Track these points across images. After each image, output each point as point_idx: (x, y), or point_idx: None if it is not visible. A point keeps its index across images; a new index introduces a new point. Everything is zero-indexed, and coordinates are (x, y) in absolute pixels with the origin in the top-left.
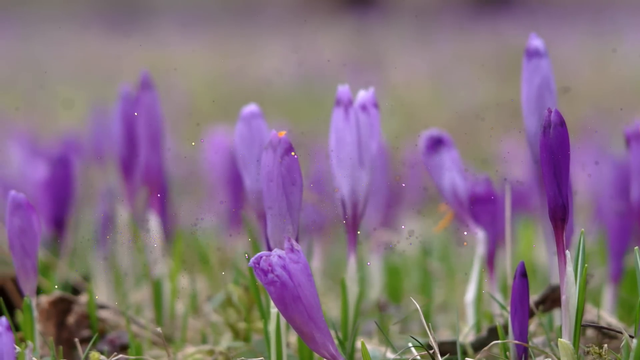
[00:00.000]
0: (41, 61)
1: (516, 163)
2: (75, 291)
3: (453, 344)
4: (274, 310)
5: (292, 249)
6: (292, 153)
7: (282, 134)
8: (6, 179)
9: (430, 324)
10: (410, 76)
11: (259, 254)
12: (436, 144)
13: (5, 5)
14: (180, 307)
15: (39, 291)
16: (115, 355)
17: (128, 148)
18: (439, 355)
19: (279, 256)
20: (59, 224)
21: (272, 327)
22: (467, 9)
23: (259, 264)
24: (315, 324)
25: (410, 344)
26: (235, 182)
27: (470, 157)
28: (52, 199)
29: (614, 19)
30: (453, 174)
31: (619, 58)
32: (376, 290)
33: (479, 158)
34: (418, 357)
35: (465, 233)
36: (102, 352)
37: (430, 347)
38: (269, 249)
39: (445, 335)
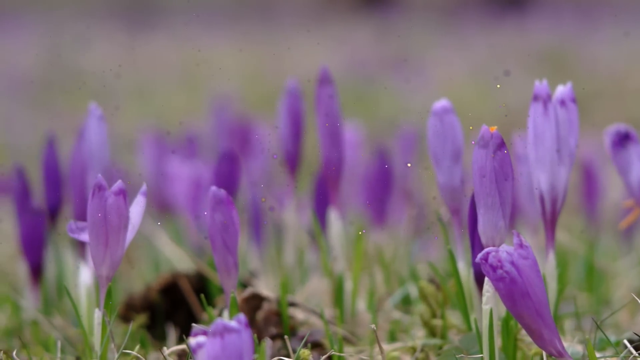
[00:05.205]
0: (75, 60)
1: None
2: (244, 287)
3: None
4: (485, 307)
5: (521, 245)
6: (504, 148)
7: (493, 129)
8: (148, 176)
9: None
10: (447, 73)
11: (486, 249)
12: (623, 139)
13: (20, 5)
14: (359, 304)
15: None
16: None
17: (294, 142)
18: None
19: (508, 252)
20: None
21: (484, 324)
22: (485, 6)
23: (487, 260)
24: (544, 320)
25: (628, 343)
26: (380, 177)
27: None
28: None
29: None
30: None
31: None
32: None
33: None
34: (636, 354)
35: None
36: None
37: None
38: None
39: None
